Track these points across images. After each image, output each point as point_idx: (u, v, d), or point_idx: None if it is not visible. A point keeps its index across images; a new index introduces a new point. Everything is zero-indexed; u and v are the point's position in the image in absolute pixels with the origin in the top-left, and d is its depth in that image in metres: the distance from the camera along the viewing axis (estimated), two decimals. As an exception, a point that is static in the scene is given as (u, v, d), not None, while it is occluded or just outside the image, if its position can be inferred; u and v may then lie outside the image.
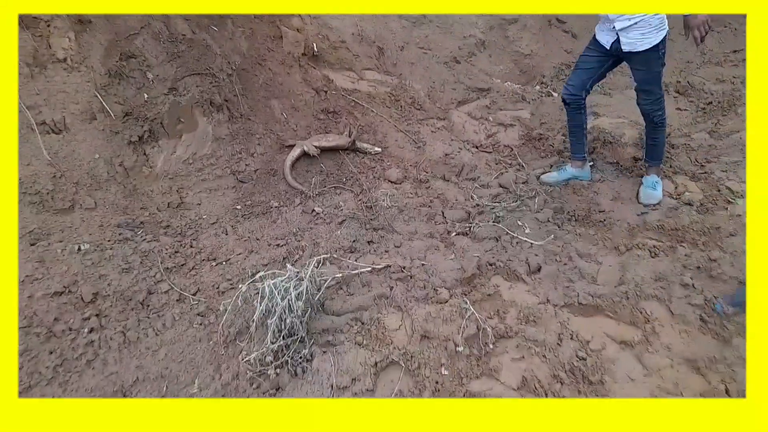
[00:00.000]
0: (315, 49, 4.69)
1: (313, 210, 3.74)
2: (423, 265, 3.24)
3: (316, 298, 2.89)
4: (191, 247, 3.50)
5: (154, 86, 3.90)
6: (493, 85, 5.44)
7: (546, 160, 4.45)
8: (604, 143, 4.45)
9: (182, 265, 3.35)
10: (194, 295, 3.13)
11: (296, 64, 4.58)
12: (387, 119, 4.59)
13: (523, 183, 4.12)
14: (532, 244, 3.35)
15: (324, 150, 4.12)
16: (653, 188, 3.68)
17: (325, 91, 4.57)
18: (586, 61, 3.68)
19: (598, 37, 3.55)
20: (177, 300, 3.09)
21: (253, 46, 4.37)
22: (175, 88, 3.88)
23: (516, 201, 3.83)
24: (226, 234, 3.64)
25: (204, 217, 3.78)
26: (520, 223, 3.57)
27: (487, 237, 3.45)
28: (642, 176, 3.84)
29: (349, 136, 4.20)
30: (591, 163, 4.14)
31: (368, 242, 3.47)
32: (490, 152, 4.60)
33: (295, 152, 4.05)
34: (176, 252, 3.42)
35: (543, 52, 6.23)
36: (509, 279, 3.07)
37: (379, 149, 4.26)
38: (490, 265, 3.18)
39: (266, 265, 3.34)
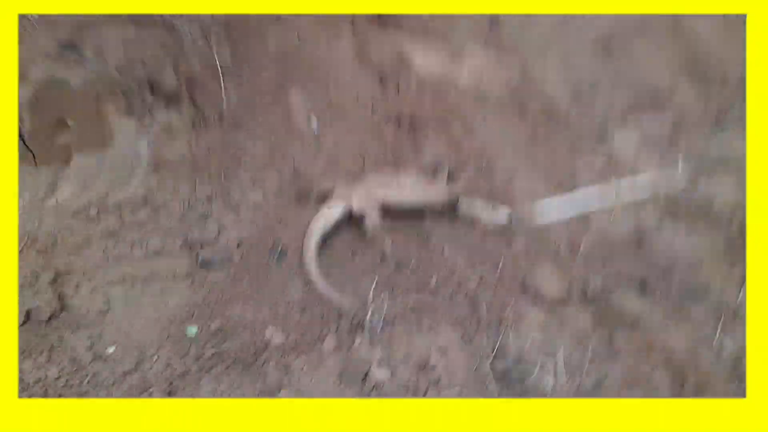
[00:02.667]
0: (381, -4, 2.44)
1: (368, 375, 1.53)
2: None
3: None
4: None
5: (33, 34, 1.71)
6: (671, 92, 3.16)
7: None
8: None
9: None
10: None
11: (346, 22, 2.34)
12: (511, 145, 2.35)
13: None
14: None
15: (394, 212, 1.90)
16: None
17: (397, 80, 2.33)
18: None
19: None
20: None
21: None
22: (73, 45, 1.68)
23: None
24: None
25: (109, 352, 1.61)
26: None
27: None
28: None
29: (447, 183, 1.98)
30: None
31: None
32: (707, 219, 2.35)
33: (333, 213, 1.83)
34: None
35: (728, 47, 3.90)
36: None
37: (508, 210, 2.03)
38: None
39: None
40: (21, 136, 1.55)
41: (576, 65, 3.00)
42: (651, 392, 1.54)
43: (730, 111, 3.18)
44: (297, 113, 2.10)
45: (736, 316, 1.90)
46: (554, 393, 1.46)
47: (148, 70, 1.72)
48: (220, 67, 1.94)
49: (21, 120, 1.54)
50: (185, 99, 1.83)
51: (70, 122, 1.59)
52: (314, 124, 2.08)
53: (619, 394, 1.51)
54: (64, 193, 1.64)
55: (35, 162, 1.58)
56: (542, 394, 1.46)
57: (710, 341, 1.77)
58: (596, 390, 1.51)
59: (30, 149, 1.56)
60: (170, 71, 1.77)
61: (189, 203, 1.80)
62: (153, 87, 1.74)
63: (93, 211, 1.69)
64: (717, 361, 1.70)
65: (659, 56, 3.37)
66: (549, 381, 1.47)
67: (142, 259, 1.73)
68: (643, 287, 1.94)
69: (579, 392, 1.50)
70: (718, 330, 1.81)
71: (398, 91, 2.30)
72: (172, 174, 1.78)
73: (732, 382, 1.62)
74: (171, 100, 1.78)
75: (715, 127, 3.00)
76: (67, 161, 1.62)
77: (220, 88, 1.95)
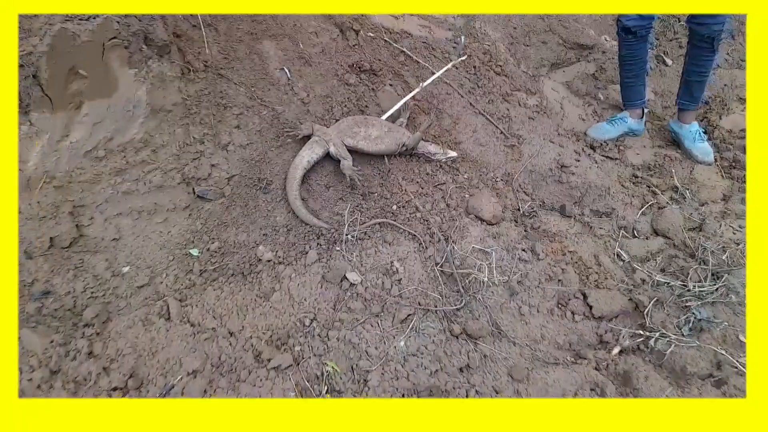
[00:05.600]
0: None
1: (345, 278, 1.92)
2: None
3: None
4: (90, 355, 1.66)
5: None
6: (597, 41, 3.58)
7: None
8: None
9: (64, 410, 1.52)
10: None
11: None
12: (456, 90, 2.71)
13: (696, 230, 2.40)
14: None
15: (361, 153, 2.26)
16: (702, 140, 2.90)
17: (356, 32, 2.62)
18: None
19: None
20: None
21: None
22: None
23: (711, 278, 2.11)
24: (167, 319, 1.81)
25: (124, 271, 1.92)
26: (743, 339, 1.87)
27: (694, 371, 1.75)
28: (673, 124, 2.98)
29: (407, 127, 2.33)
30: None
31: (460, 370, 1.71)
32: (615, 159, 2.83)
33: (314, 152, 2.16)
34: (55, 372, 1.59)
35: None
36: None
37: (455, 153, 2.41)
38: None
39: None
40: (39, 84, 1.77)
41: (511, 15, 3.35)
42: (561, 290, 2.00)
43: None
44: (270, 63, 2.37)
45: (632, 230, 2.40)
46: (486, 287, 1.91)
47: (142, 26, 1.94)
48: (202, 21, 2.18)
49: (39, 69, 1.75)
50: (174, 50, 2.07)
51: (81, 72, 1.82)
52: (287, 72, 2.36)
53: (533, 291, 1.97)
54: (76, 136, 1.88)
55: (52, 107, 1.81)
56: (474, 284, 1.90)
57: (612, 248, 2.27)
58: (521, 280, 1.97)
59: (48, 95, 1.79)
60: (160, 26, 2.00)
61: (184, 144, 2.08)
62: (147, 40, 1.97)
63: (101, 152, 1.94)
64: (615, 260, 2.20)
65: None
66: (482, 274, 1.91)
67: (146, 194, 2.02)
68: (564, 210, 2.40)
69: (508, 286, 1.95)
70: (618, 241, 2.31)
71: (358, 41, 2.59)
72: (167, 118, 2.04)
73: (626, 281, 2.11)
74: (161, 51, 2.02)
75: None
76: (78, 107, 1.86)
77: (204, 41, 2.19)
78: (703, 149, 2.87)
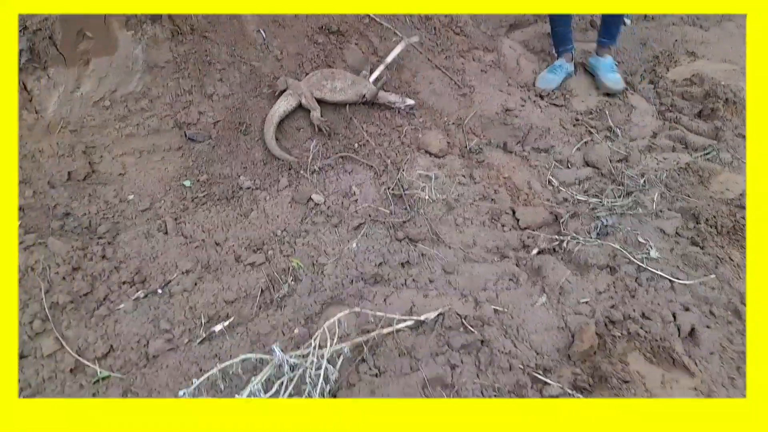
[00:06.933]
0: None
1: (310, 199, 2.32)
2: (497, 313, 1.92)
3: (326, 392, 1.58)
4: (104, 258, 2.07)
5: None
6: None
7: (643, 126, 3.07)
8: (726, 102, 3.07)
9: (85, 295, 1.95)
10: (102, 359, 1.77)
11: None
12: (416, 48, 3.07)
13: (622, 161, 2.75)
14: (672, 282, 2.05)
15: (327, 103, 2.63)
16: (614, 71, 3.31)
17: (326, -1, 2.98)
18: None
19: None
20: (71, 371, 1.74)
21: None
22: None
23: (624, 196, 2.47)
24: (165, 233, 2.22)
25: (130, 198, 2.33)
26: (641, 240, 2.24)
27: (594, 263, 2.13)
28: (591, 59, 3.39)
29: (369, 79, 2.70)
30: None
31: (402, 265, 2.11)
32: (561, 106, 3.18)
33: (288, 104, 2.54)
34: (76, 269, 2.01)
35: None
36: (657, 361, 1.78)
37: (413, 102, 2.78)
38: (615, 325, 1.88)
39: (232, 302, 1.96)
40: (54, 44, 2.17)
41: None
42: (494, 206, 2.38)
43: (597, 20, 3.95)
44: (248, 27, 2.75)
45: (567, 162, 2.76)
46: (428, 203, 2.29)
47: (137, -6, 2.33)
48: (188, -10, 2.56)
49: (53, 32, 2.15)
50: (164, 16, 2.45)
51: (88, 33, 2.21)
52: (263, 34, 2.74)
53: (469, 207, 2.34)
54: (86, 88, 2.28)
55: (65, 63, 2.21)
56: (418, 202, 2.29)
57: (544, 176, 2.63)
58: (456, 198, 2.34)
59: (62, 53, 2.18)
60: (153, -5, 2.38)
61: (176, 95, 2.47)
62: (141, 7, 2.35)
63: (107, 103, 2.34)
64: (545, 185, 2.57)
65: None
66: (424, 194, 2.30)
67: (145, 136, 2.42)
68: (505, 147, 2.77)
69: (446, 203, 2.33)
70: (550, 170, 2.67)
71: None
72: (161, 73, 2.43)
73: (551, 200, 2.48)
74: (154, 17, 2.40)
75: (584, 35, 3.78)
76: (87, 63, 2.25)
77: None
78: (614, 78, 3.27)
